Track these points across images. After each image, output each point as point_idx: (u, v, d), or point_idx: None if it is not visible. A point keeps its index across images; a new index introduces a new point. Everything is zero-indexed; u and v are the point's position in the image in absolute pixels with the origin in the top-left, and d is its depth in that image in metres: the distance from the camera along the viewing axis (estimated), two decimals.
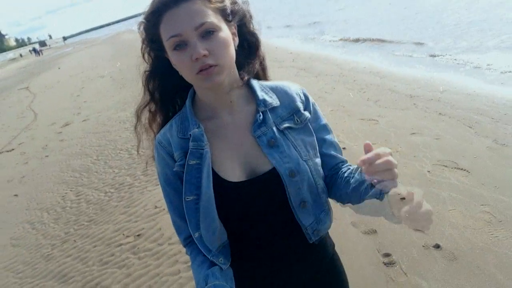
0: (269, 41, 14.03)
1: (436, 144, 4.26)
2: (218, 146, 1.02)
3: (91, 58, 24.82)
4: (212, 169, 1.00)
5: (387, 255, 2.74)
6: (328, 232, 1.20)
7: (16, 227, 4.70)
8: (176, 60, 0.94)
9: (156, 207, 4.22)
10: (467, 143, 4.16)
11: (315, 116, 1.11)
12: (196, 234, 1.01)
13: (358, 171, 1.00)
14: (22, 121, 11.24)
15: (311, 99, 1.12)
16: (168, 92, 1.10)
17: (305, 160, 1.03)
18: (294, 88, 1.10)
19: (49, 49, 39.76)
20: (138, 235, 3.77)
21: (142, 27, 0.99)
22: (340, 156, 1.14)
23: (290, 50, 12.54)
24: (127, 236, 3.82)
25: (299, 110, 1.07)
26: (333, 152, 1.12)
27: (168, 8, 0.91)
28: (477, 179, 3.44)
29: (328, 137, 1.12)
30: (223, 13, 0.96)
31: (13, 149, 8.15)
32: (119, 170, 5.63)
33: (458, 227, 2.88)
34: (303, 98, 1.10)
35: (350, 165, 1.11)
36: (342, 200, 1.09)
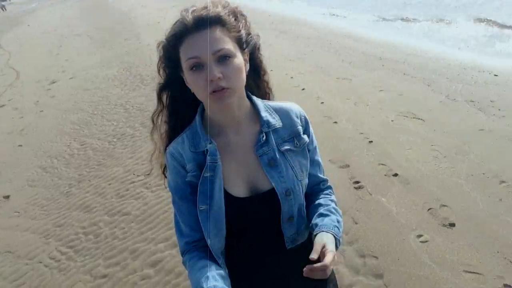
0: (247, 2, 14.33)
1: (399, 99, 5.03)
2: (225, 162, 1.10)
3: (60, 15, 24.17)
4: None
5: (357, 182, 3.50)
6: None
7: (29, 171, 5.21)
8: (192, 79, 1.01)
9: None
10: (425, 99, 4.94)
11: (311, 139, 1.21)
12: (209, 241, 1.09)
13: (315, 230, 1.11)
14: (3, 78, 11.33)
15: (309, 122, 1.22)
16: (177, 105, 1.17)
17: (299, 181, 1.14)
18: (296, 112, 1.19)
19: (10, 4, 37.94)
20: (148, 174, 4.40)
21: (161, 46, 1.07)
22: (322, 176, 1.27)
23: (268, 12, 12.97)
24: (138, 176, 4.44)
25: (299, 134, 1.17)
26: (318, 174, 1.25)
27: (189, 33, 0.99)
28: (430, 127, 4.24)
29: (316, 158, 1.24)
30: (239, 42, 1.05)
31: (4, 105, 8.43)
32: (118, 122, 6.15)
33: (412, 161, 3.67)
34: (303, 122, 1.20)
35: (328, 192, 1.27)
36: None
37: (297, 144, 1.15)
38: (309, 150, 1.20)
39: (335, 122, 4.67)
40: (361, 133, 4.29)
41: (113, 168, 4.73)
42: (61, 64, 11.17)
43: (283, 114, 1.16)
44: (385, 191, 3.33)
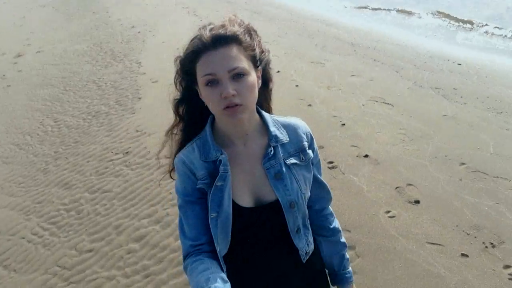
0: None
1: (370, 84, 5.27)
2: (233, 172, 1.14)
3: None
4: None
5: (331, 162, 3.72)
6: (318, 253, 1.39)
7: (1, 148, 5.14)
8: (207, 94, 1.05)
9: (137, 131, 4.89)
10: (394, 84, 5.21)
11: (315, 154, 1.27)
12: (218, 248, 1.13)
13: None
14: None
15: (314, 138, 1.28)
16: (193, 117, 1.21)
17: (303, 194, 1.19)
18: (302, 128, 1.25)
19: None
20: (127, 153, 4.46)
21: (179, 60, 1.12)
22: (328, 200, 1.37)
23: None
24: (116, 154, 4.49)
25: (305, 149, 1.21)
26: (325, 196, 1.35)
27: (207, 50, 1.03)
28: (398, 111, 4.51)
29: (318, 169, 1.31)
30: (253, 60, 1.08)
31: None
32: (92, 100, 6.11)
33: (382, 143, 3.92)
34: (309, 137, 1.25)
35: (329, 212, 1.39)
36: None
37: (302, 159, 1.20)
38: (312, 163, 1.26)
39: (310, 105, 4.86)
40: (334, 116, 4.51)
41: (90, 146, 4.76)
42: (26, 37, 10.77)
43: (290, 130, 1.21)
44: (356, 171, 3.57)
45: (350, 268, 1.41)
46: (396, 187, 3.30)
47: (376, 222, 2.97)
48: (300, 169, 1.20)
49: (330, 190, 1.36)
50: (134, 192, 3.75)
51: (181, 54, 1.10)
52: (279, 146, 1.17)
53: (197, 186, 1.13)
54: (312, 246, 1.30)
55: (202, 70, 1.03)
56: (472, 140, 3.84)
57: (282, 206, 1.15)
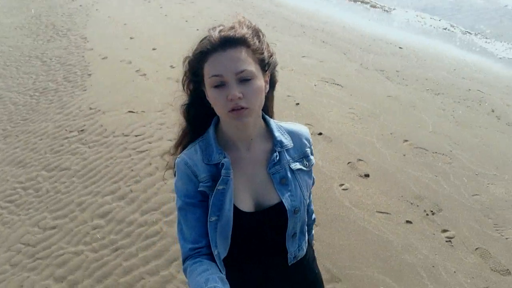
0: None
1: (320, 65, 5.54)
2: (235, 176, 1.12)
3: None
4: None
5: None
6: (312, 257, 1.44)
7: None
8: (213, 96, 1.03)
9: (90, 108, 4.80)
10: (342, 66, 5.52)
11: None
12: (216, 252, 1.11)
13: None
14: None
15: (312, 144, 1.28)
16: (201, 119, 1.18)
17: (305, 199, 1.20)
18: (305, 134, 1.25)
19: None
20: (82, 130, 4.39)
21: (187, 61, 1.10)
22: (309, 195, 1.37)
23: None
24: (71, 131, 4.41)
25: (308, 156, 1.23)
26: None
27: (215, 51, 1.01)
28: (347, 91, 4.81)
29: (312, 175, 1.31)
30: (262, 63, 1.07)
31: None
32: (37, 76, 5.85)
33: (334, 122, 4.20)
34: (311, 143, 1.26)
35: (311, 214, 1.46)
36: None
37: (306, 165, 1.21)
38: None
39: None
40: (289, 96, 4.72)
41: (41, 124, 4.61)
42: None
43: (294, 136, 1.22)
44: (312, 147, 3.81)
45: (312, 232, 1.53)
46: (348, 162, 3.59)
47: (331, 194, 3.24)
48: (303, 175, 1.20)
49: (314, 178, 1.40)
50: (94, 170, 3.74)
51: (190, 54, 1.09)
52: (284, 151, 1.17)
53: (199, 189, 1.11)
54: (303, 252, 1.29)
55: (209, 71, 1.02)
56: (413, 119, 4.23)
57: (287, 211, 1.14)
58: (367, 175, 3.41)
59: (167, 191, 3.35)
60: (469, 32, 7.50)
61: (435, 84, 4.99)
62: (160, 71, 5.69)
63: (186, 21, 7.62)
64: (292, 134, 1.22)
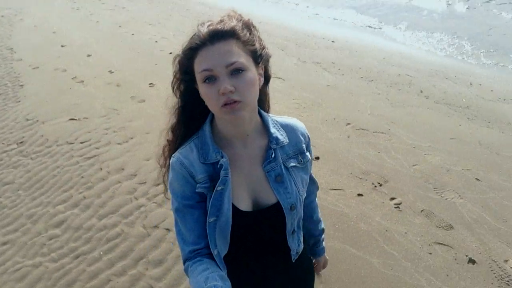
0: None
1: None
2: (232, 175, 1.09)
3: None
4: None
5: None
6: (305, 252, 1.43)
7: None
8: (205, 92, 1.00)
9: (27, 119, 4.58)
10: (282, 61, 5.72)
11: (310, 153, 1.23)
12: (215, 252, 1.09)
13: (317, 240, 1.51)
14: None
15: (310, 139, 1.25)
16: (196, 119, 1.15)
17: (301, 195, 1.17)
18: (301, 129, 1.21)
19: None
20: (21, 142, 4.18)
21: (177, 60, 1.06)
22: (315, 184, 1.39)
23: None
24: (9, 145, 4.17)
25: (303, 152, 1.18)
26: (312, 176, 1.32)
27: (204, 46, 0.98)
28: (289, 84, 5.01)
29: (311, 170, 1.28)
30: (254, 56, 1.03)
31: None
32: None
33: (281, 113, 4.33)
34: (306, 139, 1.22)
35: (314, 198, 1.44)
36: None
37: (301, 161, 1.17)
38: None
39: None
40: None
41: None
42: None
43: (289, 131, 1.18)
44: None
45: (323, 244, 1.55)
46: None
47: None
48: (298, 171, 1.17)
49: (317, 181, 1.39)
50: (41, 181, 3.58)
51: (180, 53, 1.05)
52: (279, 148, 1.13)
53: (197, 190, 1.08)
54: (302, 246, 1.30)
55: (199, 66, 0.99)
56: (353, 104, 4.51)
57: (284, 208, 1.13)
58: (317, 158, 3.60)
59: (123, 193, 3.32)
60: (387, 25, 8.09)
61: (368, 72, 5.34)
62: (98, 77, 5.55)
63: (120, 26, 7.47)
64: (287, 128, 1.18)
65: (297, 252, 1.27)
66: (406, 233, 2.77)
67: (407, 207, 3.01)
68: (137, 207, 3.18)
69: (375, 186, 3.23)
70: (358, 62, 5.65)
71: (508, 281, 2.43)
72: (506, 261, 2.56)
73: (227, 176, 1.07)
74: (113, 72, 5.60)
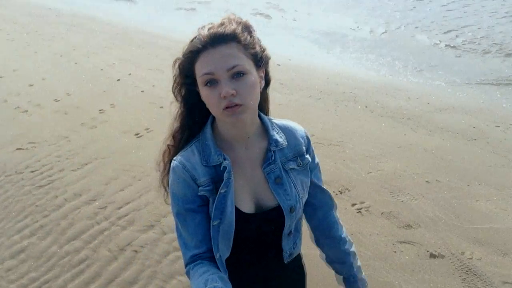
0: None
1: None
2: (234, 177, 1.09)
3: None
4: None
5: None
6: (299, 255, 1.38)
7: None
8: (206, 95, 1.00)
9: None
10: None
11: (312, 156, 1.23)
12: (218, 255, 1.08)
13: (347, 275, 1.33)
14: None
15: (311, 141, 1.25)
16: (197, 123, 1.15)
17: (300, 198, 1.16)
18: (300, 132, 1.22)
19: None
20: None
21: (178, 63, 1.06)
22: (327, 194, 1.30)
23: (48, 6, 12.09)
24: None
25: (303, 154, 1.18)
26: (322, 186, 1.27)
27: (205, 49, 0.98)
28: None
29: (319, 174, 1.27)
30: (255, 59, 1.03)
31: None
32: None
33: None
34: (306, 141, 1.22)
35: (334, 213, 1.32)
36: (316, 242, 1.35)
37: (300, 164, 1.17)
38: (311, 168, 1.22)
39: (161, 107, 5.08)
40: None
41: None
42: None
43: (288, 133, 1.18)
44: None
45: (363, 276, 1.36)
46: None
47: None
48: (297, 174, 1.17)
49: (332, 197, 1.32)
50: None
51: (180, 56, 1.05)
52: (278, 150, 1.14)
53: (199, 193, 1.07)
54: (298, 250, 1.30)
55: (200, 69, 0.99)
56: (306, 120, 4.72)
57: (284, 211, 1.13)
58: None
59: (83, 219, 3.20)
60: (322, 50, 8.62)
61: (316, 91, 5.63)
62: (43, 105, 5.34)
63: (61, 56, 7.27)
64: (286, 131, 1.19)
65: (290, 254, 1.27)
66: (370, 235, 2.93)
67: (368, 211, 3.18)
68: (100, 232, 3.07)
69: (336, 194, 3.38)
70: (305, 82, 5.94)
71: (467, 271, 2.64)
72: (462, 253, 2.78)
73: (230, 178, 1.07)
74: (58, 100, 5.42)
